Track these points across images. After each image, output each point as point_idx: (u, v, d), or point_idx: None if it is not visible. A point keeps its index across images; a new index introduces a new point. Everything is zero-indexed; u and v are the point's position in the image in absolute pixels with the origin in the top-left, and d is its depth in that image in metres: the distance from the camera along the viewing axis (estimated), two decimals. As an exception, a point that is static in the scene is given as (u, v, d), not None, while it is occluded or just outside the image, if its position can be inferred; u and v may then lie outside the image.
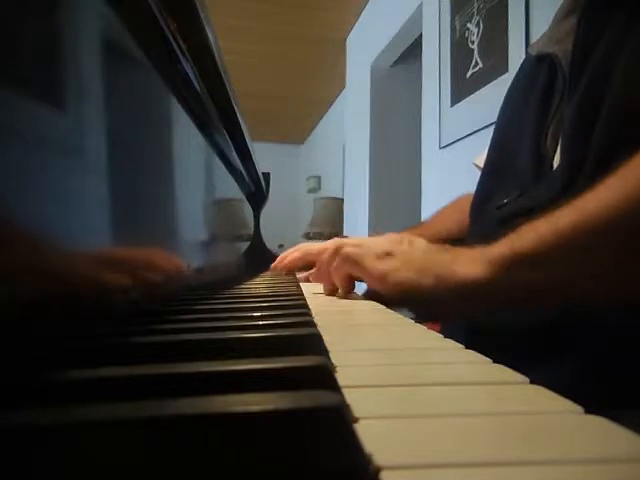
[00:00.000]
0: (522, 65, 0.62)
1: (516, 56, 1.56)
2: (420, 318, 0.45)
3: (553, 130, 0.51)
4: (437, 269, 0.41)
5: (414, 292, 0.42)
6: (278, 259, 0.78)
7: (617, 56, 0.43)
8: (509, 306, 0.41)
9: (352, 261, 0.50)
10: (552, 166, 0.50)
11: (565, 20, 0.55)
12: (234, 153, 0.84)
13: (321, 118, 5.26)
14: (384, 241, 0.49)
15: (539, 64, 0.55)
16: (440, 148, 2.08)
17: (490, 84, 1.72)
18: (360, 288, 0.56)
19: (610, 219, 0.33)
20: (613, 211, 0.33)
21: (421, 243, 0.47)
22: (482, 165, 0.63)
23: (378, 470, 0.12)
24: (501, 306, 0.41)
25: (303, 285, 0.68)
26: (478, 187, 0.62)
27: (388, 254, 0.46)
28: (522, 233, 0.38)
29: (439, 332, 0.31)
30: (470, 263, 0.40)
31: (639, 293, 0.35)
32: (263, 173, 1.26)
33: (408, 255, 0.45)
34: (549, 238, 0.36)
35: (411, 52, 2.80)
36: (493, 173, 0.59)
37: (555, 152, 0.50)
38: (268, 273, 0.94)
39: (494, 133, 0.62)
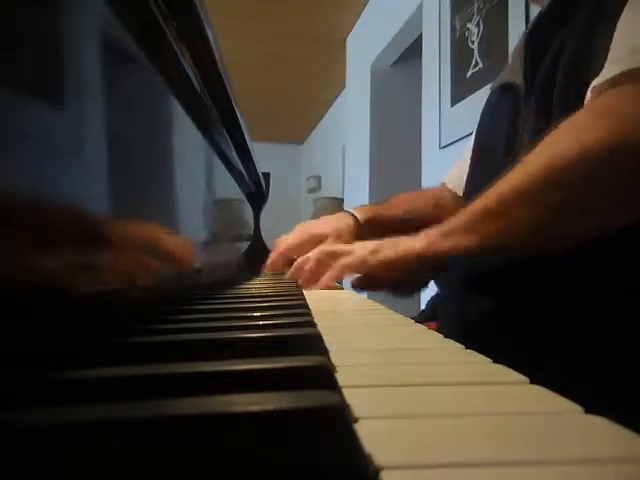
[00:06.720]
0: (488, 99, 0.74)
1: (516, 56, 1.56)
2: (400, 291, 0.61)
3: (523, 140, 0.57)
4: (402, 246, 0.55)
5: (393, 265, 0.55)
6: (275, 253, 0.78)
7: (560, 58, 0.51)
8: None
9: (354, 267, 0.59)
10: None
11: (521, 51, 0.63)
12: (234, 153, 0.84)
13: (321, 118, 5.26)
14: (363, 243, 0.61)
15: (502, 94, 0.65)
16: (440, 148, 2.07)
17: (490, 84, 1.72)
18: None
19: (515, 191, 0.45)
20: (520, 185, 0.45)
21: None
22: (449, 184, 0.79)
23: (378, 470, 0.12)
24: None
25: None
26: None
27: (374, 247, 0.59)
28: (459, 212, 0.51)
29: (439, 332, 0.31)
30: (415, 239, 0.54)
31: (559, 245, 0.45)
32: (263, 173, 1.26)
33: (383, 243, 0.58)
34: (475, 216, 0.48)
35: (411, 52, 2.80)
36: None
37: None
38: (267, 272, 0.94)
39: (472, 153, 0.71)
